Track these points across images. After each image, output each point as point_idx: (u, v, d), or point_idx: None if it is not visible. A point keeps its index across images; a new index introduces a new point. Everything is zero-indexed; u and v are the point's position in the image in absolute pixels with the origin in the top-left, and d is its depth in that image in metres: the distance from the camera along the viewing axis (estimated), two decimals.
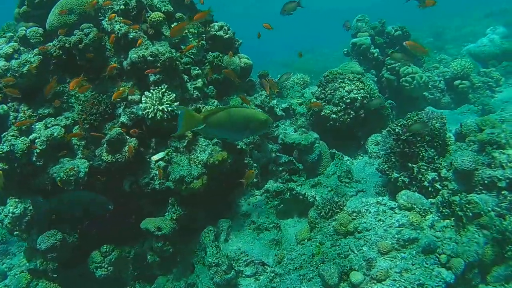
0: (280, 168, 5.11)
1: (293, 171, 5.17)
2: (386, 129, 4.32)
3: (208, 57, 4.94)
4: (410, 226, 3.31)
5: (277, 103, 6.16)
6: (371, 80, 6.21)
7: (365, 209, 3.62)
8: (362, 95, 5.56)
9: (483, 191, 3.87)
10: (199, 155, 4.16)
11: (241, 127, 3.40)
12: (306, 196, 4.37)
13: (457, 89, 7.65)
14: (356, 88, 5.60)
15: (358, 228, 3.48)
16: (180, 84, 4.34)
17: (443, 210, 3.38)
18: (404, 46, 4.67)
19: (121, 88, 4.17)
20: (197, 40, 4.81)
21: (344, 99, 5.51)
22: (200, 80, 4.59)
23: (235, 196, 4.60)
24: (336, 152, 5.41)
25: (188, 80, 4.48)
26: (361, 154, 5.85)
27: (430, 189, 3.83)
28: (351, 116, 5.52)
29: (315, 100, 5.78)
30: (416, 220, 3.30)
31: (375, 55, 7.75)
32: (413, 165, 3.92)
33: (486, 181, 3.82)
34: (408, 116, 3.97)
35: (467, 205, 3.25)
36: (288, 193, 4.41)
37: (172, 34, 4.26)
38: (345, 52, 8.26)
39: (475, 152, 3.98)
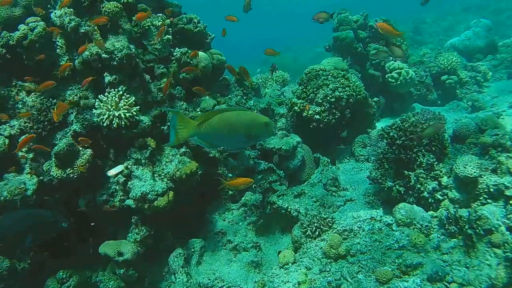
0: (259, 177, 4.60)
1: (274, 180, 4.66)
2: (377, 132, 3.84)
3: (175, 54, 4.38)
4: (412, 249, 2.82)
5: (255, 103, 5.63)
6: (356, 76, 5.73)
7: (358, 227, 3.12)
8: (348, 93, 5.08)
9: (488, 200, 3.43)
10: (164, 167, 3.60)
11: (242, 133, 2.80)
12: (289, 210, 3.86)
13: (445, 85, 7.25)
14: (341, 85, 5.11)
15: (351, 251, 2.97)
16: (141, 85, 3.77)
17: (449, 228, 2.90)
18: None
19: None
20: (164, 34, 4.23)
21: (328, 98, 5.01)
22: (165, 80, 4.03)
23: (208, 211, 4.06)
24: (321, 156, 4.92)
25: (150, 80, 3.91)
26: (347, 157, 5.38)
27: (430, 200, 3.36)
28: (336, 116, 5.03)
29: (295, 99, 5.27)
30: (420, 241, 2.82)
31: (359, 49, 7.29)
32: (410, 172, 3.44)
33: (491, 189, 3.37)
34: (404, 117, 3.49)
35: (477, 221, 2.78)
36: (269, 207, 3.89)
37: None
38: (327, 47, 7.78)
39: (477, 156, 3.53)
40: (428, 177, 3.39)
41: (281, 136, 4.93)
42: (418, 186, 3.36)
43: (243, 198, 4.09)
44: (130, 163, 3.55)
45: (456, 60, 7.36)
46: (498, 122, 3.94)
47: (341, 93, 5.02)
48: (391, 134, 3.43)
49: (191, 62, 4.41)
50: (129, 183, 3.50)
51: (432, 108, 7.06)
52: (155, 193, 3.40)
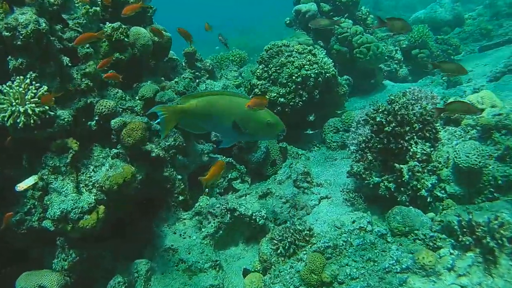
0: None
1: (234, 177, 3.93)
2: (359, 117, 3.16)
3: (105, 30, 3.51)
4: (420, 271, 2.15)
5: (208, 86, 4.85)
6: (323, 52, 5.02)
7: (343, 241, 2.43)
8: (316, 71, 4.37)
9: (495, 195, 2.83)
10: (92, 174, 2.78)
11: (229, 123, 2.41)
12: (254, 217, 3.13)
13: (416, 59, 6.68)
14: (308, 62, 4.39)
15: (338, 277, 2.27)
16: (57, 70, 2.91)
17: (463, 239, 2.24)
18: None
19: None
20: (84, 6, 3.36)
21: (293, 77, 4.28)
22: (92, 62, 3.17)
23: (155, 223, 3.28)
24: (288, 146, 4.21)
25: (70, 64, 3.04)
26: (317, 145, 4.70)
27: (429, 199, 2.71)
28: (304, 98, 4.32)
29: (255, 80, 4.51)
30: (429, 261, 2.14)
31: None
32: (402, 165, 2.77)
33: (500, 181, 2.77)
34: (393, 98, 2.80)
35: (500, 229, 2.14)
36: (229, 215, 3.14)
37: None
38: (287, 22, 7.02)
39: (477, 142, 2.91)
40: (426, 171, 2.74)
41: None
42: (414, 182, 2.69)
43: (197, 204, 3.33)
44: (46, 172, 2.70)
45: (427, 32, 6.79)
46: (496, 99, 3.33)
47: (309, 71, 4.31)
48: (378, 119, 2.73)
49: (125, 39, 3.56)
50: (46, 198, 2.67)
51: (405, 85, 6.49)
52: (80, 210, 2.58)
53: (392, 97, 2.73)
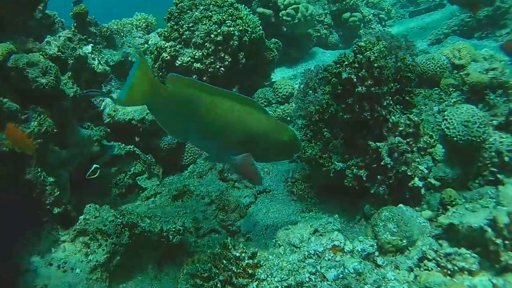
0: (113, 170, 2.78)
1: (139, 171, 2.88)
2: (306, 80, 2.24)
3: None
4: None
5: (107, 56, 3.72)
6: (247, 9, 4.04)
7: (311, 273, 1.48)
8: (241, 28, 3.39)
9: (498, 176, 2.07)
10: None
11: (233, 140, 1.62)
12: (165, 234, 2.11)
13: (348, 24, 5.93)
14: (230, 18, 3.39)
15: None
16: None
17: (506, 257, 1.40)
18: None
19: None
20: None
21: (212, 36, 3.27)
22: None
23: (20, 250, 2.15)
24: None
25: None
26: None
27: (423, 190, 1.87)
28: (226, 63, 3.32)
29: (163, 42, 3.43)
30: None
31: None
32: (378, 144, 1.90)
33: (506, 158, 2.01)
34: (363, 45, 1.88)
35: None
36: (127, 234, 2.09)
37: None
38: None
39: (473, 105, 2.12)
40: (415, 150, 1.88)
41: None
42: (402, 167, 1.82)
43: (81, 218, 2.23)
44: None
45: None
46: (476, 52, 2.58)
47: (231, 28, 3.31)
48: (345, 75, 1.81)
49: None
50: None
51: (336, 51, 5.74)
52: None
53: (362, 44, 1.83)
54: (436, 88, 2.47)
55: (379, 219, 1.62)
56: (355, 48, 1.88)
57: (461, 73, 2.38)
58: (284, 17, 5.17)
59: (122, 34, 5.19)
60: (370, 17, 6.19)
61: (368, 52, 1.78)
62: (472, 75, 2.26)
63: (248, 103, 1.58)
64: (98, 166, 2.57)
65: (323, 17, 5.90)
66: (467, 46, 2.59)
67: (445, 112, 2.09)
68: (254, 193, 2.66)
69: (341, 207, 2.35)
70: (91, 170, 2.56)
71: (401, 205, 1.77)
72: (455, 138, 1.98)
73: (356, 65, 1.79)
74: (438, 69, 2.47)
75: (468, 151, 2.06)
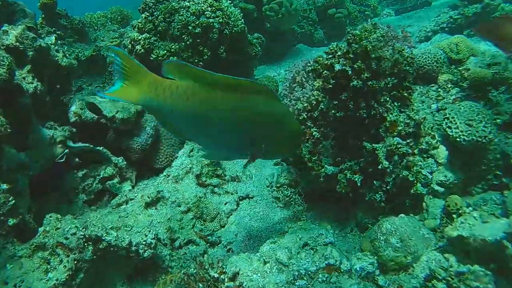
0: (80, 174, 2.53)
1: (109, 175, 2.62)
2: (294, 73, 2.03)
3: None
4: None
5: (77, 50, 3.45)
6: (228, 1, 3.80)
7: None
8: (221, 20, 3.15)
9: (503, 179, 1.89)
10: None
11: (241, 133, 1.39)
12: (134, 248, 1.86)
13: (334, 20, 5.73)
14: (209, 9, 3.14)
15: None
16: None
17: None
18: None
19: None
20: None
21: (190, 27, 3.02)
22: None
23: None
24: None
25: None
26: None
27: (426, 198, 1.67)
28: (206, 57, 3.08)
29: (136, 34, 3.17)
30: None
31: None
32: (375, 145, 1.68)
33: None
34: (358, 34, 1.66)
35: None
36: (90, 249, 1.83)
37: None
38: None
39: (476, 103, 1.93)
40: (416, 151, 1.68)
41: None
42: (404, 172, 1.61)
43: (40, 230, 1.97)
44: None
45: None
46: (474, 46, 2.39)
47: (211, 19, 3.07)
48: (338, 67, 1.59)
49: None
50: None
51: (322, 49, 5.54)
52: None
53: (357, 32, 1.61)
54: (433, 85, 2.27)
55: (380, 233, 1.41)
56: (349, 37, 1.66)
57: (460, 68, 2.19)
58: (267, 12, 4.96)
59: (95, 27, 4.91)
60: (356, 13, 6.00)
61: (365, 41, 1.56)
62: (473, 70, 2.07)
63: (264, 92, 1.37)
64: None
65: (308, 12, 5.70)
66: (465, 40, 2.40)
67: (446, 110, 1.89)
68: (235, 199, 2.42)
69: (331, 214, 2.13)
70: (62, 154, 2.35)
71: (402, 214, 1.56)
72: (458, 139, 1.78)
73: (351, 56, 1.57)
74: (435, 64, 2.27)
75: (471, 152, 1.87)
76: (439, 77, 2.22)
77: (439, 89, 2.18)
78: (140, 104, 1.43)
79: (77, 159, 2.55)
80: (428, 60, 2.29)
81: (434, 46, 2.43)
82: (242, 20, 3.55)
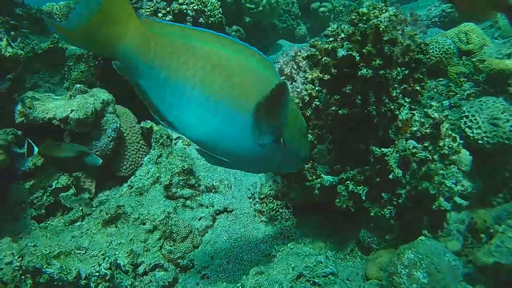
0: (28, 185, 2.13)
1: (62, 185, 2.23)
2: (282, 62, 1.69)
3: None
4: None
5: (32, 44, 3.07)
6: None
7: None
8: (196, 7, 2.78)
9: None
10: None
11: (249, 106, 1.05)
12: (82, 281, 1.48)
13: (318, 15, 5.42)
14: None
15: None
16: None
17: None
18: None
19: None
20: None
21: (160, 15, 2.65)
22: None
23: None
24: (154, 126, 2.55)
25: None
26: None
27: (449, 215, 1.34)
28: None
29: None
30: None
31: None
32: (384, 149, 1.35)
33: None
34: (365, 11, 1.33)
35: None
36: (29, 281, 1.44)
37: None
38: None
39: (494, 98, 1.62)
40: (436, 158, 1.35)
41: (73, 93, 2.45)
42: (425, 184, 1.28)
43: None
44: None
45: None
46: (485, 35, 2.09)
47: (184, 6, 2.70)
48: (342, 53, 1.24)
49: None
50: None
51: (304, 45, 5.23)
52: None
53: (364, 10, 1.27)
54: (442, 78, 1.96)
55: (401, 265, 1.08)
56: (353, 17, 1.32)
57: (474, 60, 1.88)
58: (247, 4, 4.62)
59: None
60: (340, 8, 5.70)
61: (375, 20, 1.22)
62: (490, 61, 1.75)
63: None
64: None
65: (290, 6, 5.37)
66: (476, 28, 2.09)
67: (464, 108, 1.57)
68: (211, 213, 2.06)
69: (325, 232, 1.79)
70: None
71: (422, 237, 1.23)
72: (480, 141, 1.47)
73: (358, 38, 1.23)
74: (443, 55, 1.95)
75: (493, 157, 1.55)
76: (449, 70, 1.90)
77: (450, 84, 1.87)
78: (119, 59, 1.04)
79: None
80: (436, 51, 1.98)
81: (441, 35, 2.12)
82: (220, 10, 3.20)
